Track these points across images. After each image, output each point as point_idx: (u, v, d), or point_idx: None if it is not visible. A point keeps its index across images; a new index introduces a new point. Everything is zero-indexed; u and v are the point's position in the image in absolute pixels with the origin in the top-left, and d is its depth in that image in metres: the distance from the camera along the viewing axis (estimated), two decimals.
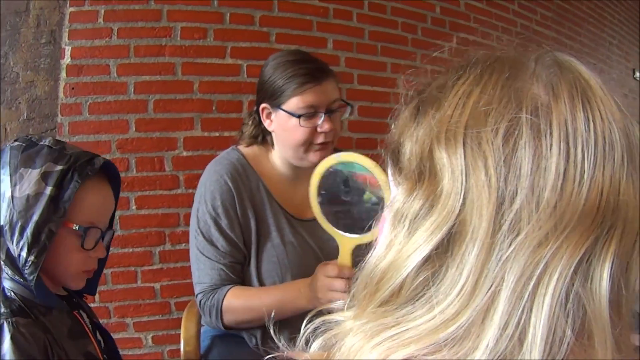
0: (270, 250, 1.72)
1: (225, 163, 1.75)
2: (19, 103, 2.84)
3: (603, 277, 0.51)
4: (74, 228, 1.24)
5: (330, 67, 1.71)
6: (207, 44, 2.97)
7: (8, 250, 1.19)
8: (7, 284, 1.21)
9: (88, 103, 2.82)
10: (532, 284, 0.51)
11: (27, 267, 1.17)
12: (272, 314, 0.97)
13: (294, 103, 1.62)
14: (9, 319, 1.13)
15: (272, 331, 0.69)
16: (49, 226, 1.19)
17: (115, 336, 1.48)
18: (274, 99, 1.65)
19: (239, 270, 1.72)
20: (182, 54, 2.93)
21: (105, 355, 1.35)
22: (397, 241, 0.57)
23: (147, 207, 2.84)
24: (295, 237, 1.74)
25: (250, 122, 1.79)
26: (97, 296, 2.69)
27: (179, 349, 1.96)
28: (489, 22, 4.29)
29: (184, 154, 2.93)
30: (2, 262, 1.21)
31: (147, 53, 2.88)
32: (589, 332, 0.52)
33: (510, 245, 0.51)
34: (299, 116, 1.62)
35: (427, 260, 0.54)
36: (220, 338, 1.83)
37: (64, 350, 1.19)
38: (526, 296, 0.51)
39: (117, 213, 2.20)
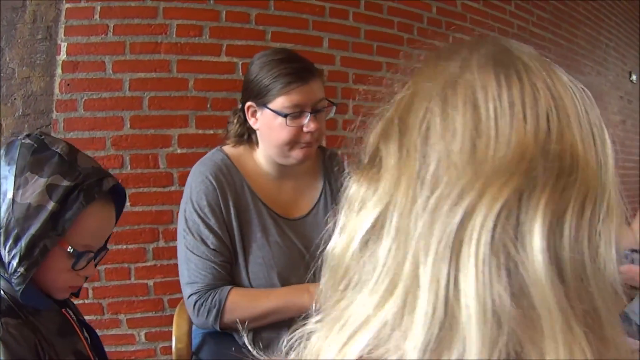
0: (256, 251, 1.73)
1: (209, 164, 1.75)
2: (15, 99, 2.83)
3: (534, 234, 0.50)
4: (69, 250, 1.21)
5: (316, 67, 1.71)
6: (203, 42, 2.98)
7: None
8: None
9: (83, 99, 2.82)
10: (452, 242, 0.51)
11: (15, 277, 1.15)
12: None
13: (280, 102, 1.63)
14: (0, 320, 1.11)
15: (247, 340, 0.69)
16: (44, 242, 1.16)
17: (108, 332, 1.49)
18: (260, 97, 1.66)
19: (229, 270, 1.72)
20: (178, 51, 2.93)
21: (93, 352, 1.34)
22: (348, 225, 0.59)
23: (141, 204, 2.84)
24: (281, 237, 1.75)
25: (235, 121, 1.79)
26: (90, 292, 2.72)
27: (172, 346, 1.97)
28: (486, 22, 4.29)
29: (179, 151, 2.93)
30: None
31: (142, 50, 2.88)
32: (528, 296, 0.50)
33: (425, 208, 0.52)
34: (285, 115, 1.63)
35: (367, 242, 0.56)
36: (211, 336, 1.83)
37: (54, 349, 1.18)
38: (449, 255, 0.51)
39: None
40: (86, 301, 2.69)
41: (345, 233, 0.59)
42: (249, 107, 1.70)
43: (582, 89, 0.58)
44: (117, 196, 1.32)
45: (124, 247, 2.79)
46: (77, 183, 1.19)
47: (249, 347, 0.67)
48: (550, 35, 5.09)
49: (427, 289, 0.51)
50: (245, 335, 0.71)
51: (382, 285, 0.54)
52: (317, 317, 0.60)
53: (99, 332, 1.47)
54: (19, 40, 2.84)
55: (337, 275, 0.59)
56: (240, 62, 3.04)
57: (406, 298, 0.52)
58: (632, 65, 7.00)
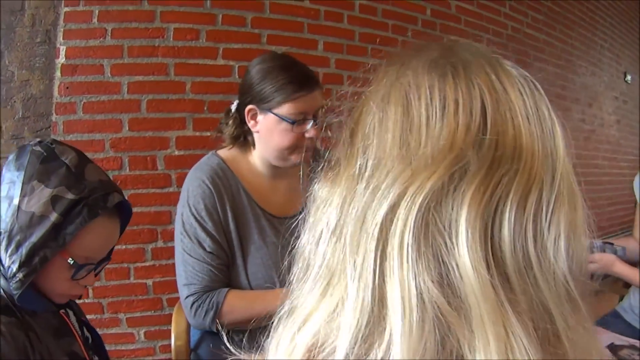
0: (254, 252, 1.76)
1: (205, 169, 1.79)
2: (14, 102, 2.82)
3: (460, 223, 0.51)
4: (69, 261, 1.21)
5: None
6: (200, 45, 3.00)
7: None
8: None
9: (82, 102, 2.83)
10: (378, 232, 0.52)
11: (13, 281, 1.15)
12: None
13: (286, 109, 1.67)
14: None
15: (225, 337, 0.72)
16: (44, 251, 1.16)
17: (108, 331, 1.50)
18: (264, 102, 1.69)
19: (226, 272, 1.75)
20: (175, 54, 2.95)
21: (91, 351, 1.35)
22: (313, 223, 0.62)
23: (139, 205, 2.85)
24: (277, 237, 1.78)
25: (231, 122, 1.81)
26: (90, 292, 2.73)
27: (170, 344, 1.98)
28: (480, 24, 4.31)
29: (176, 153, 2.94)
30: None
31: (140, 53, 2.90)
32: (456, 285, 0.51)
33: (359, 202, 0.55)
34: (292, 122, 1.67)
35: (321, 238, 0.60)
36: (209, 333, 1.86)
37: (47, 349, 1.18)
38: (375, 246, 0.52)
39: None
40: (86, 300, 2.70)
41: (311, 231, 0.62)
42: (249, 110, 1.73)
43: (532, 82, 0.60)
44: (122, 209, 1.32)
45: (123, 247, 2.81)
46: (82, 197, 1.19)
47: (229, 346, 0.68)
48: (544, 37, 5.10)
49: (357, 279, 0.53)
50: (224, 334, 0.75)
51: (323, 279, 0.57)
52: (284, 309, 0.62)
53: (99, 330, 1.48)
54: (18, 44, 2.84)
55: (301, 269, 0.62)
56: (237, 65, 3.06)
57: (341, 289, 0.55)
58: (626, 66, 7.01)
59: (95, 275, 1.33)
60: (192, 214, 1.73)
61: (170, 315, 2.09)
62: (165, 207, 2.92)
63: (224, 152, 1.85)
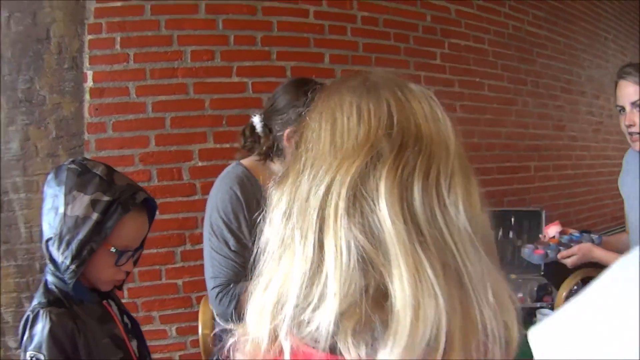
0: None
1: (232, 177, 1.96)
2: (47, 123, 3.00)
3: (380, 191, 0.65)
4: (111, 250, 1.45)
5: None
6: (215, 65, 3.14)
7: (51, 254, 1.42)
8: (50, 278, 1.44)
9: (111, 122, 3.01)
10: (318, 206, 0.67)
11: (67, 273, 1.39)
12: None
13: None
14: (46, 309, 1.37)
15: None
16: (91, 245, 1.39)
17: (143, 329, 1.68)
18: None
19: (247, 268, 1.93)
20: (193, 74, 3.10)
21: (130, 334, 1.60)
22: (271, 217, 0.77)
23: (168, 213, 3.02)
24: None
25: (263, 139, 1.97)
26: (125, 292, 2.90)
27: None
28: (481, 26, 4.27)
29: (199, 164, 3.10)
30: (47, 262, 1.44)
31: (161, 75, 3.06)
32: (380, 236, 0.64)
33: (304, 187, 0.70)
34: None
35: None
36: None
37: (92, 333, 1.42)
38: (316, 216, 0.66)
39: None
40: (123, 300, 2.84)
41: (270, 222, 0.77)
42: (290, 132, 1.88)
43: (430, 95, 0.76)
44: (149, 206, 1.56)
45: (155, 251, 3.00)
46: (115, 198, 1.43)
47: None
48: (546, 33, 4.98)
49: (303, 239, 0.67)
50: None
51: (279, 249, 0.72)
52: (253, 282, 0.77)
53: None
54: (47, 70, 3.00)
55: (264, 251, 0.76)
56: (250, 82, 3.20)
57: (291, 253, 0.69)
58: (632, 57, 6.79)
59: (134, 263, 1.57)
60: (220, 217, 1.90)
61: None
62: (191, 213, 3.07)
63: (247, 162, 2.02)
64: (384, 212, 0.64)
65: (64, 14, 3.01)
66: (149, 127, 3.07)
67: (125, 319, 1.63)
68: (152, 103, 3.07)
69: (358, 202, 0.65)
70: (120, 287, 1.65)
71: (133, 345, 1.58)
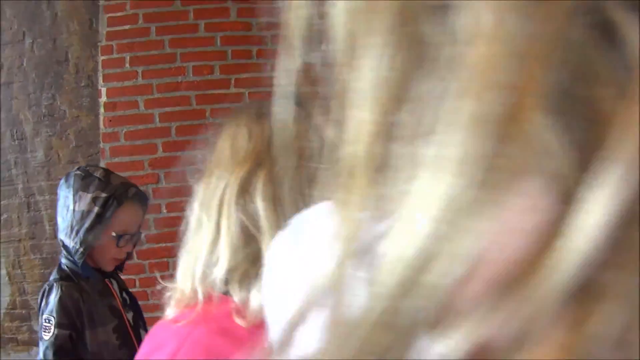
0: None
1: None
2: (68, 134, 3.29)
3: (257, 189, 0.81)
4: (112, 235, 1.75)
5: None
6: (215, 78, 3.26)
7: (64, 242, 1.74)
8: (63, 260, 1.77)
9: (124, 131, 3.21)
10: (219, 201, 0.84)
11: (77, 255, 1.72)
12: None
13: None
14: (58, 282, 1.72)
15: None
16: (95, 232, 1.71)
17: (152, 315, 1.89)
18: None
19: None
20: (195, 87, 3.24)
21: (127, 307, 1.88)
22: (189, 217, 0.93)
23: (174, 211, 3.00)
24: None
25: None
26: (137, 282, 3.08)
27: None
28: None
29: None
30: (61, 248, 1.77)
31: (167, 89, 3.22)
32: (257, 220, 0.81)
33: (211, 188, 0.86)
34: None
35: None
36: None
37: (94, 303, 1.74)
38: (217, 209, 0.84)
39: (152, 216, 2.75)
40: (134, 289, 2.91)
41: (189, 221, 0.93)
42: None
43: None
44: (142, 198, 1.85)
45: (163, 245, 3.06)
46: (111, 194, 1.73)
47: None
48: None
49: (208, 223, 0.84)
50: None
51: (192, 232, 0.89)
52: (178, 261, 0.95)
53: (145, 314, 1.96)
54: (67, 88, 3.30)
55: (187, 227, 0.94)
56: (247, 92, 3.27)
57: (201, 233, 0.86)
58: None
59: (134, 245, 1.87)
60: None
61: None
62: None
63: None
64: (258, 202, 0.82)
65: (80, 38, 3.27)
66: (157, 136, 3.23)
67: (125, 295, 1.92)
68: (159, 114, 3.23)
69: (244, 195, 0.83)
70: (121, 268, 1.94)
71: (129, 316, 1.86)
